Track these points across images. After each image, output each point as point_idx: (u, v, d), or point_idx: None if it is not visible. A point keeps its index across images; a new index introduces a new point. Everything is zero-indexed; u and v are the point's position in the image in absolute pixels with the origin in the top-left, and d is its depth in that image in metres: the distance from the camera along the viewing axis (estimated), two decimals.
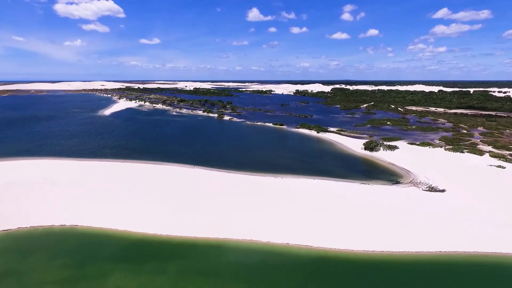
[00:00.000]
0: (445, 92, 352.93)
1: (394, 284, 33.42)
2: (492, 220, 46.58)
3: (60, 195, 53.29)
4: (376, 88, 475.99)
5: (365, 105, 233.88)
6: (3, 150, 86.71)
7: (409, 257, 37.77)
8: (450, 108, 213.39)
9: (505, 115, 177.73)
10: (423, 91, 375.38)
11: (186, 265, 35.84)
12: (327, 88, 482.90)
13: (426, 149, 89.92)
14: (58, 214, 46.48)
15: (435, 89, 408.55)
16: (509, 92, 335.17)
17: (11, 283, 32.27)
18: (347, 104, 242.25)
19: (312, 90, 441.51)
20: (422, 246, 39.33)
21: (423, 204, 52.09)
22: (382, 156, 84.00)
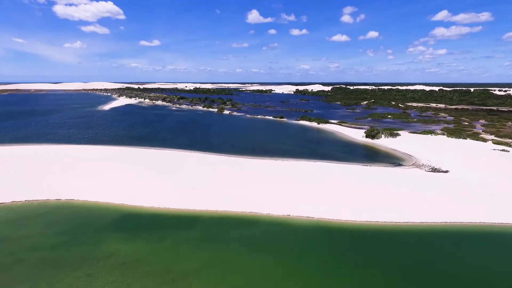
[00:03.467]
0: (446, 90, 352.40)
1: (397, 250, 32.31)
2: (499, 194, 45.49)
3: (55, 171, 52.36)
4: (377, 88, 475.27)
5: (365, 102, 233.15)
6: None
7: (413, 227, 36.66)
8: (451, 105, 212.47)
9: (506, 109, 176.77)
10: (424, 90, 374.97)
11: (184, 235, 34.75)
12: (327, 88, 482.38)
13: (428, 136, 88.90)
14: (54, 188, 45.47)
15: (436, 88, 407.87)
16: (510, 90, 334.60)
17: (4, 249, 31.17)
18: (347, 101, 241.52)
19: (312, 89, 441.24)
20: (427, 217, 38.26)
21: (426, 182, 50.99)
22: (383, 143, 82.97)
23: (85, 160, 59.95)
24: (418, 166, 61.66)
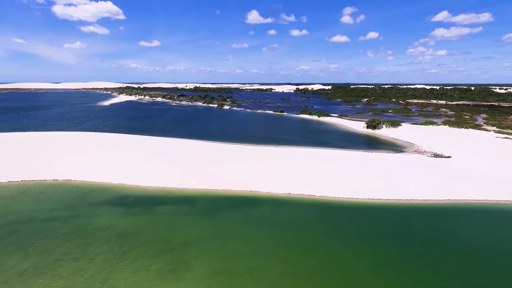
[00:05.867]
0: (446, 89, 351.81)
1: (400, 225, 31.61)
2: (503, 174, 44.73)
3: (53, 154, 51.75)
4: (377, 87, 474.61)
5: (366, 99, 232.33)
6: None
7: (416, 204, 35.93)
8: (452, 101, 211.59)
9: (507, 105, 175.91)
10: (424, 88, 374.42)
11: (183, 210, 34.03)
12: (328, 87, 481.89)
13: (430, 127, 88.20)
14: (51, 170, 44.82)
15: (436, 87, 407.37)
16: (511, 88, 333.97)
17: None
18: (348, 98, 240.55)
19: (312, 88, 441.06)
20: (430, 195, 37.51)
21: (429, 165, 50.29)
22: (384, 133, 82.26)
23: (83, 144, 59.20)
24: (420, 152, 60.92)
